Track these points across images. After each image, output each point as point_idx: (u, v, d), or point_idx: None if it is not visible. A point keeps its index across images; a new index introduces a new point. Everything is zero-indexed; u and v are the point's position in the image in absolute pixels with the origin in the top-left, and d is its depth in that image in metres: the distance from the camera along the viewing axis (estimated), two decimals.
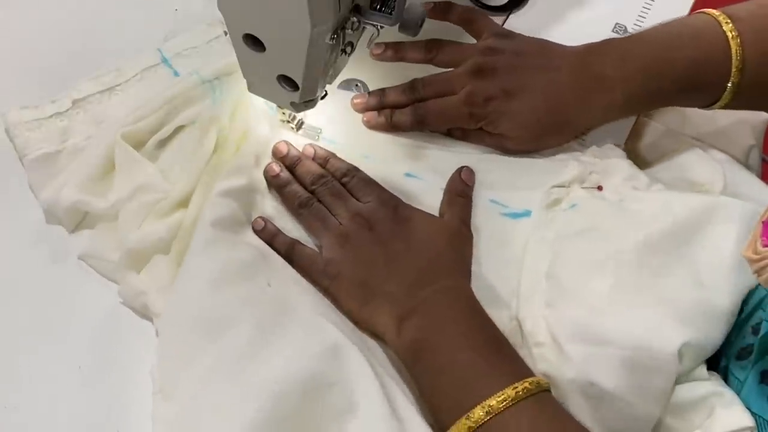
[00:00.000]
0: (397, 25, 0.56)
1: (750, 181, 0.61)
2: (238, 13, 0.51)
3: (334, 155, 0.63)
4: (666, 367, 0.51)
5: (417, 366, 0.53)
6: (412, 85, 0.64)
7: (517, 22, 0.70)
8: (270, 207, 0.61)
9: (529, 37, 0.65)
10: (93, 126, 0.63)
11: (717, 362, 0.55)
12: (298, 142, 0.64)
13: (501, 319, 0.55)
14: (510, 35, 0.64)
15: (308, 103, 0.58)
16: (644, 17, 0.71)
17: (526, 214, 0.61)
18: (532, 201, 0.61)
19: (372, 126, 0.65)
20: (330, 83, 0.60)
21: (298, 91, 0.55)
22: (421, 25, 0.58)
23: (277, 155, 0.62)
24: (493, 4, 0.72)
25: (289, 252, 0.58)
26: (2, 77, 0.67)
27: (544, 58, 0.62)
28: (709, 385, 0.52)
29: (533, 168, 0.63)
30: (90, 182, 0.60)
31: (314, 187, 0.60)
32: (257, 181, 0.61)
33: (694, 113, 0.67)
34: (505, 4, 0.72)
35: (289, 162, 0.62)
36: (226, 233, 0.57)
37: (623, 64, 0.60)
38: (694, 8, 0.71)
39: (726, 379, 0.53)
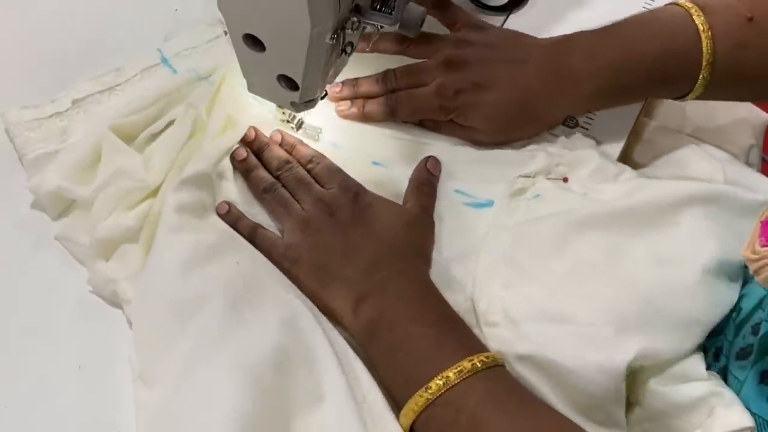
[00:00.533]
0: (397, 25, 0.56)
1: (750, 175, 0.61)
2: (238, 13, 0.51)
3: (300, 141, 0.63)
4: (625, 342, 0.52)
5: (373, 345, 0.54)
6: (385, 76, 0.65)
7: (517, 22, 0.70)
8: (235, 192, 0.61)
9: (502, 29, 0.66)
10: (92, 126, 0.62)
11: (717, 362, 0.55)
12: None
13: (456, 300, 0.56)
14: (482, 27, 0.65)
15: (308, 103, 0.58)
16: None
17: (489, 204, 0.61)
18: (497, 191, 0.62)
19: (344, 115, 0.65)
20: (330, 83, 0.60)
21: (298, 91, 0.55)
22: (421, 25, 0.58)
23: (245, 140, 0.63)
24: (493, 4, 0.72)
25: (252, 235, 0.59)
26: (2, 77, 0.67)
27: (514, 51, 0.63)
28: (708, 385, 0.52)
29: (501, 159, 0.63)
30: (76, 171, 0.60)
31: (279, 173, 0.61)
32: (224, 168, 0.62)
33: (695, 113, 0.67)
34: (505, 4, 0.72)
35: (257, 147, 0.62)
36: (191, 218, 0.57)
37: (592, 58, 0.60)
38: None
39: (725, 379, 0.53)
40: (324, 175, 0.61)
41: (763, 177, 0.60)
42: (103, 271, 0.57)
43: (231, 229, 0.59)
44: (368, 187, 0.61)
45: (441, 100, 0.62)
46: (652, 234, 0.56)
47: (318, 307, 0.56)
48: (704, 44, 0.57)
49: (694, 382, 0.52)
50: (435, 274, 0.58)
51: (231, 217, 0.60)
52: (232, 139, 0.62)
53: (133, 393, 0.52)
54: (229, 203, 0.60)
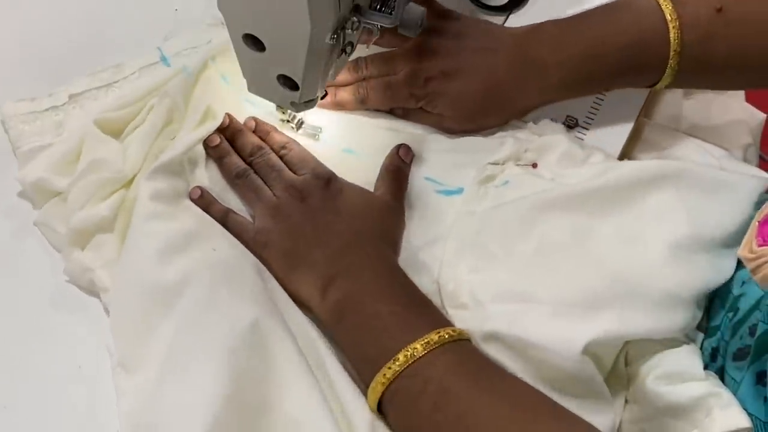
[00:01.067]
0: (397, 25, 0.56)
1: (745, 168, 0.61)
2: (238, 13, 0.51)
3: (275, 128, 0.64)
4: (594, 317, 0.52)
5: (340, 326, 0.54)
6: (356, 64, 0.65)
7: (517, 22, 0.70)
8: (207, 178, 0.62)
9: (472, 18, 0.66)
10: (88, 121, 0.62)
11: (713, 362, 0.55)
12: (299, 141, 0.64)
13: (421, 283, 0.57)
14: (453, 16, 0.65)
15: (308, 103, 0.58)
16: None
17: (459, 191, 0.62)
18: (466, 178, 0.62)
19: (318, 104, 0.65)
20: None
21: (298, 91, 0.55)
22: (421, 25, 0.58)
23: (219, 127, 0.63)
24: (493, 4, 0.72)
25: (224, 220, 0.59)
26: (5, 74, 0.67)
27: (483, 40, 0.63)
28: (706, 385, 0.52)
29: (471, 146, 0.64)
30: (60, 163, 0.60)
31: (252, 159, 0.62)
32: (197, 155, 0.62)
33: (692, 113, 0.67)
34: (505, 4, 0.72)
35: (230, 133, 0.63)
36: (166, 206, 0.57)
37: (559, 47, 0.61)
38: None
39: (722, 380, 0.53)
40: (296, 161, 0.61)
41: (761, 171, 0.61)
42: (80, 260, 0.57)
43: (206, 221, 0.59)
44: (339, 174, 0.61)
45: (411, 89, 0.63)
46: (619, 213, 0.57)
47: (286, 291, 0.57)
48: (672, 34, 0.58)
49: (692, 382, 0.52)
50: (403, 261, 0.58)
51: (203, 201, 0.60)
52: (209, 130, 0.62)
53: (113, 380, 0.53)
54: (201, 188, 0.61)
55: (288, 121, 0.64)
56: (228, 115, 0.63)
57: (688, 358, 0.54)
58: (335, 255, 0.56)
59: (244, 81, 0.58)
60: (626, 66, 0.60)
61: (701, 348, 0.56)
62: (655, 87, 0.62)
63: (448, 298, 0.57)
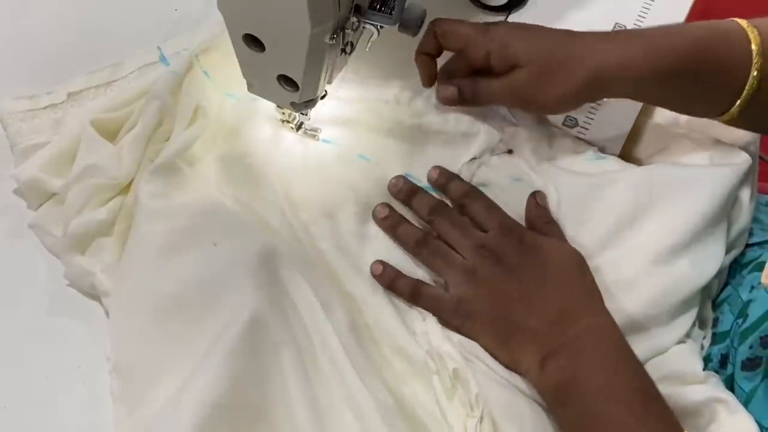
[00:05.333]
0: (397, 25, 0.56)
1: (729, 150, 0.61)
2: (238, 13, 0.51)
3: (458, 177, 0.61)
4: None
5: (561, 410, 0.51)
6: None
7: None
8: (211, 174, 0.61)
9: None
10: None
11: (723, 369, 0.55)
12: (297, 141, 0.64)
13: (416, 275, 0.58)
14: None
15: (308, 103, 0.58)
16: (644, 17, 0.71)
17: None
18: None
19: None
20: (330, 83, 0.60)
21: (298, 91, 0.55)
22: (420, 25, 0.58)
23: (392, 190, 0.60)
24: (493, 4, 0.72)
25: (415, 294, 0.56)
26: (5, 74, 0.67)
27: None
28: (709, 389, 0.52)
29: (449, 143, 0.64)
30: (56, 163, 0.60)
31: (432, 218, 0.58)
32: (194, 156, 0.62)
33: None
34: (505, 3, 0.72)
35: (404, 197, 0.60)
36: (164, 207, 0.57)
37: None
38: (693, 9, 0.71)
39: (732, 388, 0.53)
40: (481, 213, 0.58)
41: (744, 155, 0.60)
42: (80, 265, 0.57)
43: (204, 208, 0.58)
44: (354, 181, 0.61)
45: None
46: (595, 227, 0.57)
47: (499, 360, 0.54)
48: (752, 37, 0.54)
49: (694, 385, 0.52)
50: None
51: (387, 277, 0.57)
52: (202, 129, 0.62)
53: (109, 386, 0.53)
54: (384, 263, 0.57)
55: (288, 121, 0.64)
56: (401, 177, 0.60)
57: (687, 358, 0.54)
58: (555, 323, 0.52)
59: (225, 74, 0.58)
60: (702, 74, 0.56)
61: (710, 355, 0.56)
62: (722, 117, 0.57)
63: None
